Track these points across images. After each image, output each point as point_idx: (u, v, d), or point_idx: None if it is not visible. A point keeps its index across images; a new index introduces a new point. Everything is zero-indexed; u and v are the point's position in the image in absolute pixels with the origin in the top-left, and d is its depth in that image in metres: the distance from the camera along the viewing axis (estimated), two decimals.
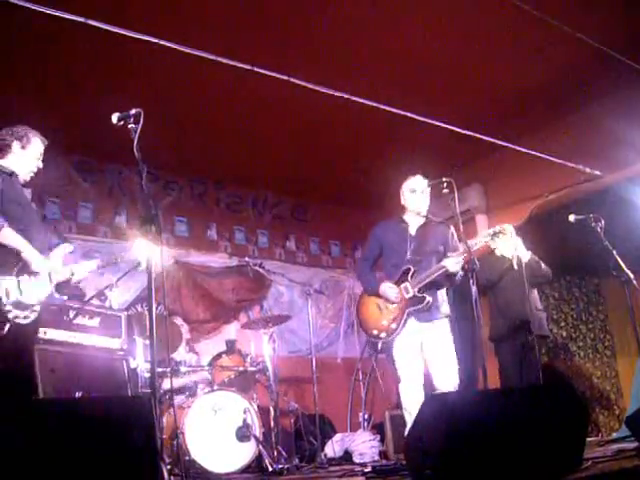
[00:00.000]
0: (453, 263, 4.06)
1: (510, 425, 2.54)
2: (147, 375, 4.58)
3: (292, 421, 6.12)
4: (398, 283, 4.21)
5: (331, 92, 4.72)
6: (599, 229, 4.58)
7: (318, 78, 4.66)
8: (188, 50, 4.14)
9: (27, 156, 3.55)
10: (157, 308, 3.45)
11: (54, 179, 6.16)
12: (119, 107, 3.01)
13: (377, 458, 5.54)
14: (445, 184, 4.01)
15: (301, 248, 8.22)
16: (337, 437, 5.95)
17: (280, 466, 4.48)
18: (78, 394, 3.96)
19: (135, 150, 2.91)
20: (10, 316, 3.17)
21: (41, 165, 3.64)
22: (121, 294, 5.47)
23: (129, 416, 2.22)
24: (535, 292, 5.44)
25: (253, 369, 5.25)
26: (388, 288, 4.21)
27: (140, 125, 2.93)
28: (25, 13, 3.61)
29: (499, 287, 5.45)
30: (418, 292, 4.13)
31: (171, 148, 6.33)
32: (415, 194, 4.35)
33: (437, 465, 2.38)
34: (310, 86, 4.62)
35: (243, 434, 4.57)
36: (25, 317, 3.25)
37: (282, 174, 7.38)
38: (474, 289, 3.75)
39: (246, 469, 4.53)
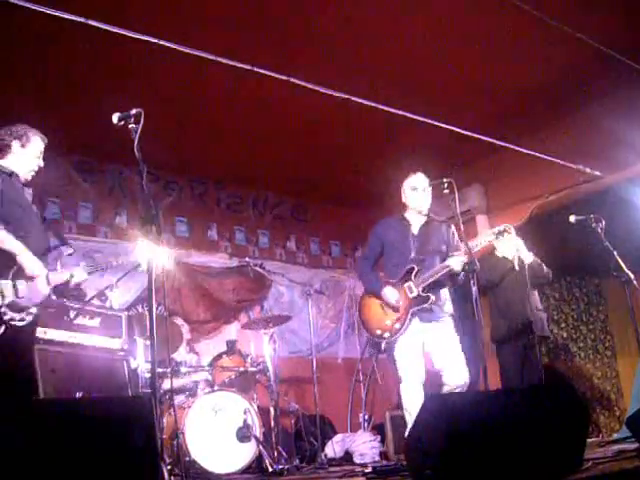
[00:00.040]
0: (458, 262, 4.03)
1: (510, 426, 2.54)
2: (147, 375, 4.58)
3: (292, 421, 6.12)
4: (401, 282, 4.19)
5: (331, 92, 4.72)
6: (599, 229, 4.58)
7: (318, 78, 4.65)
8: (188, 50, 4.13)
9: (27, 155, 3.53)
10: (157, 308, 3.46)
11: (54, 179, 6.16)
12: (119, 107, 3.01)
13: (377, 459, 5.54)
14: (445, 184, 4.00)
15: (301, 248, 8.21)
16: (337, 438, 5.95)
17: (280, 466, 4.48)
18: (78, 394, 3.96)
19: (135, 150, 2.90)
20: (5, 318, 3.15)
21: (42, 163, 3.61)
22: (121, 294, 5.47)
23: (129, 416, 2.22)
24: (536, 293, 5.44)
25: (253, 369, 5.25)
26: (389, 292, 4.18)
27: (140, 125, 2.92)
28: (25, 13, 3.60)
29: (500, 288, 5.45)
30: (422, 292, 4.11)
31: (171, 148, 6.33)
32: (417, 192, 4.33)
33: (437, 465, 2.38)
34: (310, 86, 4.62)
35: (243, 434, 4.57)
36: (21, 319, 3.22)
37: (282, 174, 7.38)
38: (474, 289, 3.74)
39: (246, 469, 4.53)
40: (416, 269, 4.18)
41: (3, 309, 3.15)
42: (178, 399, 5.04)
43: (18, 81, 5.16)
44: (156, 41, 4.01)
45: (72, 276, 3.56)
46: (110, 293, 4.86)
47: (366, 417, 6.62)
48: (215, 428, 4.55)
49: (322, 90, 4.67)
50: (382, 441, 5.79)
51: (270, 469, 4.38)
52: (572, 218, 4.74)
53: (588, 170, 5.84)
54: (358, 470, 4.19)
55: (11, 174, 3.46)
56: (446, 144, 6.02)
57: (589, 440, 3.20)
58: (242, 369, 5.23)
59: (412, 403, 3.99)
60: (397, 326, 4.12)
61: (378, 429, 6.23)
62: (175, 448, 4.17)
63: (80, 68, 5.09)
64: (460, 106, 5.78)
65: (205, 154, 6.82)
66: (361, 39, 5.04)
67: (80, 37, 4.40)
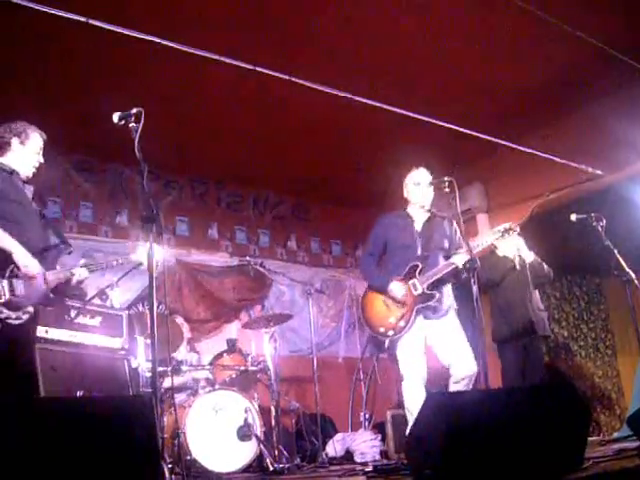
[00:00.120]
0: (463, 260, 4.00)
1: (511, 424, 2.54)
2: (148, 374, 4.58)
3: (293, 420, 6.12)
4: (405, 280, 4.15)
5: (332, 91, 4.72)
6: (600, 228, 4.57)
7: (319, 78, 4.66)
8: (189, 49, 4.14)
9: (27, 152, 3.52)
10: (158, 307, 3.46)
11: (55, 179, 6.17)
12: (120, 106, 3.01)
13: (378, 457, 5.54)
14: (446, 183, 3.99)
15: (302, 247, 8.22)
16: (338, 436, 5.95)
17: (281, 465, 4.48)
18: (79, 393, 3.96)
19: (136, 149, 2.91)
20: (1, 317, 3.14)
21: (42, 160, 3.60)
22: (122, 293, 5.47)
23: (130, 415, 2.22)
24: (537, 292, 5.44)
25: (254, 368, 5.25)
26: (396, 287, 4.13)
27: (141, 124, 2.92)
28: (26, 12, 3.61)
29: (501, 287, 5.44)
30: (427, 289, 4.08)
31: (172, 148, 6.34)
32: (419, 187, 4.28)
33: (438, 464, 2.38)
34: (311, 85, 4.62)
35: (244, 433, 4.57)
36: (17, 318, 3.20)
37: (283, 173, 7.38)
38: (475, 288, 3.73)
39: (247, 468, 4.53)
40: (420, 266, 4.14)
41: None
42: (179, 398, 5.04)
43: (19, 80, 5.16)
44: (157, 40, 4.02)
45: (73, 274, 3.56)
46: (111, 292, 4.86)
47: (367, 416, 6.62)
48: (216, 427, 4.55)
49: (323, 89, 4.68)
50: (383, 440, 5.80)
51: (271, 468, 4.38)
52: (573, 217, 4.73)
53: (589, 169, 5.85)
54: (359, 469, 4.18)
55: (11, 172, 3.46)
56: (446, 143, 6.02)
57: (590, 439, 3.20)
58: (243, 368, 5.23)
59: (413, 402, 3.96)
60: (402, 324, 4.08)
61: (379, 428, 6.23)
62: (176, 447, 4.16)
63: (81, 67, 5.09)
64: (460, 105, 5.78)
65: (206, 153, 6.83)
66: (361, 39, 5.04)
67: (81, 36, 4.41)
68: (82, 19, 3.77)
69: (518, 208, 6.67)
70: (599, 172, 5.87)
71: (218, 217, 7.56)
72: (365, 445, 5.66)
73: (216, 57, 4.27)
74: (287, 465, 4.56)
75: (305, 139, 6.56)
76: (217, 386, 4.92)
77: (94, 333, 4.39)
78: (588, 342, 8.11)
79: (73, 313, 4.28)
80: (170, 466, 3.63)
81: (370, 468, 3.85)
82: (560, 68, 5.56)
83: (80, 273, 3.62)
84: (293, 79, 4.57)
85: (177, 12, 4.53)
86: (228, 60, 4.31)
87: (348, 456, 5.69)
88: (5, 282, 3.19)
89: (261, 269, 6.32)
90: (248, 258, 6.37)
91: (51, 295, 3.44)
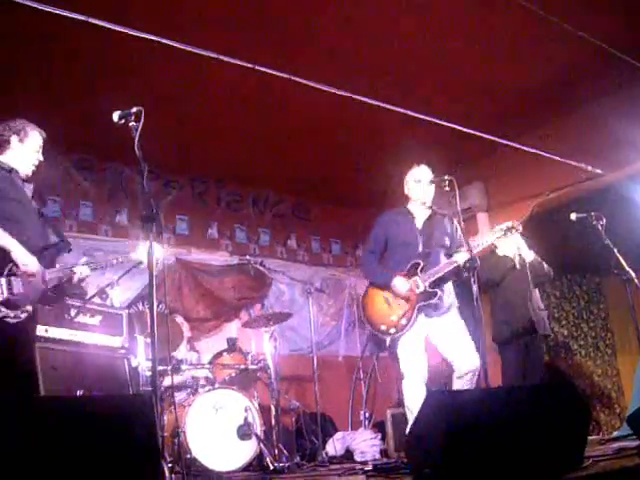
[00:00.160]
0: (465, 258, 3.97)
1: (511, 423, 2.54)
2: (148, 373, 4.59)
3: (293, 419, 6.13)
4: (407, 277, 4.13)
5: (332, 91, 4.72)
6: (600, 227, 4.57)
7: (319, 77, 4.66)
8: (189, 48, 4.14)
9: (26, 150, 3.52)
10: (158, 306, 3.46)
11: (55, 177, 6.17)
12: (120, 105, 3.01)
13: (378, 456, 5.55)
14: (446, 182, 3.99)
15: (302, 246, 8.22)
16: (338, 435, 5.96)
17: (281, 464, 4.48)
18: (79, 392, 3.96)
19: (136, 148, 2.90)
20: None
21: (41, 158, 3.59)
22: (122, 292, 5.47)
23: (130, 414, 2.22)
24: (537, 291, 5.43)
25: (254, 367, 5.25)
26: (400, 283, 4.10)
27: (141, 123, 2.92)
28: (27, 11, 3.61)
29: (501, 287, 5.43)
30: (429, 287, 4.06)
31: (172, 147, 6.34)
32: (421, 184, 4.27)
33: (438, 463, 2.38)
34: (311, 84, 4.62)
35: (244, 432, 4.57)
36: (15, 317, 3.19)
37: (283, 173, 7.38)
38: (475, 288, 3.73)
39: (247, 467, 4.53)
40: (422, 264, 4.12)
41: None
42: (179, 397, 5.04)
43: (21, 79, 5.16)
44: (157, 40, 4.01)
45: (74, 272, 3.56)
46: (111, 291, 4.87)
47: (367, 415, 6.63)
48: (216, 426, 4.55)
49: (323, 89, 4.68)
50: (383, 439, 5.80)
51: (271, 467, 4.38)
52: (573, 216, 4.72)
53: (589, 168, 5.84)
54: (359, 468, 4.18)
55: (10, 170, 3.45)
56: (447, 142, 6.03)
57: (590, 438, 3.20)
58: (243, 367, 5.23)
59: (414, 400, 3.95)
60: (403, 322, 4.06)
61: (379, 427, 6.24)
62: (176, 446, 4.16)
63: (82, 66, 5.09)
64: (461, 105, 5.78)
65: (206, 152, 6.83)
66: (361, 39, 5.04)
67: (82, 36, 4.40)
68: (82, 18, 3.77)
69: (518, 207, 6.66)
70: (599, 171, 5.87)
71: (218, 216, 7.56)
72: (365, 444, 5.67)
73: (216, 56, 4.27)
74: (287, 464, 4.56)
75: (305, 138, 6.56)
76: (217, 385, 4.92)
77: (94, 332, 4.39)
78: (588, 341, 8.10)
79: (73, 312, 4.28)
80: (170, 465, 3.64)
81: (370, 467, 3.85)
82: (560, 68, 5.56)
83: (81, 271, 3.61)
84: (293, 78, 4.56)
85: (178, 11, 4.53)
86: (228, 59, 4.30)
87: (348, 455, 5.69)
88: (3, 280, 3.19)
89: (261, 268, 6.32)
90: (248, 257, 6.39)
91: (50, 294, 3.44)
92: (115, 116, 2.98)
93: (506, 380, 5.24)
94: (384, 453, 5.62)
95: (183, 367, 5.06)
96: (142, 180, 2.89)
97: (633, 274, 4.54)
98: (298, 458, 5.23)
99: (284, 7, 4.63)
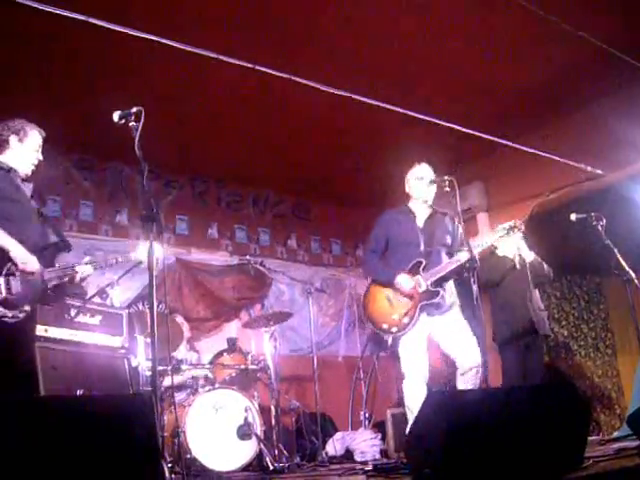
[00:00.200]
0: (466, 257, 3.95)
1: (511, 424, 2.54)
2: (148, 373, 4.58)
3: (293, 419, 6.13)
4: (411, 274, 4.10)
5: (332, 91, 4.72)
6: (600, 228, 4.56)
7: (319, 77, 4.66)
8: (190, 48, 4.13)
9: (26, 149, 3.51)
10: (158, 306, 3.46)
11: (55, 177, 6.18)
12: (120, 105, 3.01)
13: (378, 456, 5.54)
14: (446, 182, 3.99)
15: (302, 246, 8.23)
16: (338, 435, 5.96)
17: (281, 464, 4.48)
18: (79, 392, 3.96)
19: (136, 148, 2.90)
20: None
21: (41, 157, 3.58)
22: (122, 292, 5.47)
23: (130, 414, 2.22)
24: (537, 292, 5.43)
25: (254, 367, 5.25)
26: (404, 279, 4.06)
27: (141, 123, 2.92)
28: (28, 12, 3.61)
29: (501, 287, 5.43)
30: (431, 286, 4.04)
31: (173, 147, 6.34)
32: (422, 181, 4.25)
33: (438, 463, 2.38)
34: (311, 84, 4.62)
35: (244, 432, 4.57)
36: (13, 317, 3.18)
37: (283, 173, 7.38)
38: (475, 288, 3.72)
39: (247, 467, 4.53)
40: (424, 263, 4.10)
41: None
42: (179, 397, 5.04)
43: (21, 79, 5.16)
44: (158, 39, 4.01)
45: (76, 272, 3.55)
46: (111, 291, 4.87)
47: (367, 415, 6.63)
48: (216, 426, 4.55)
49: (323, 89, 4.68)
50: (383, 439, 5.80)
51: (271, 467, 4.38)
52: (573, 216, 4.72)
53: (589, 168, 5.84)
54: (359, 468, 4.18)
55: (9, 170, 3.45)
56: (447, 142, 6.03)
57: (590, 438, 3.20)
58: (243, 367, 5.24)
59: (414, 400, 3.93)
60: (405, 320, 4.03)
61: (379, 427, 6.24)
62: (176, 446, 4.16)
63: (82, 66, 5.10)
64: (461, 105, 5.79)
65: (206, 152, 6.83)
66: (361, 39, 5.05)
67: (82, 36, 4.41)
68: (82, 18, 3.76)
69: (518, 207, 6.66)
70: (599, 171, 5.86)
71: (218, 216, 7.57)
72: (365, 444, 5.67)
73: (217, 56, 4.26)
74: (287, 464, 4.56)
75: (305, 138, 6.57)
76: (217, 385, 4.92)
77: (94, 332, 4.39)
78: (588, 341, 8.10)
79: (73, 312, 4.28)
80: (170, 465, 3.64)
81: (370, 467, 3.84)
82: (560, 68, 5.56)
83: (84, 270, 3.61)
84: (293, 78, 4.56)
85: (178, 12, 4.54)
86: (228, 59, 4.30)
87: (348, 455, 5.69)
88: (2, 280, 3.18)
89: (261, 268, 6.32)
90: (248, 257, 6.38)
91: (50, 293, 3.43)
92: (115, 116, 2.98)
93: (506, 380, 5.24)
94: (384, 453, 5.62)
95: (183, 367, 5.06)
96: (142, 180, 2.89)
97: (633, 274, 4.53)
98: (298, 458, 5.23)
99: (284, 7, 4.64)
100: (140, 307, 6.12)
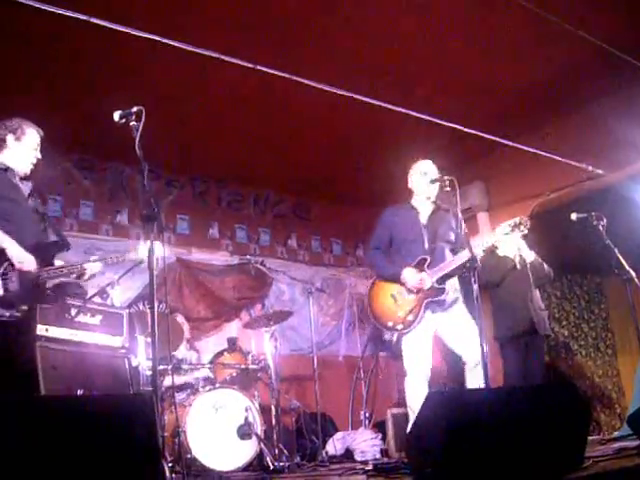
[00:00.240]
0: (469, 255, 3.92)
1: (512, 423, 2.54)
2: (149, 373, 4.59)
3: (293, 419, 6.13)
4: (417, 269, 4.07)
5: (333, 91, 4.72)
6: (601, 227, 4.56)
7: (319, 77, 4.66)
8: (191, 48, 4.14)
9: (23, 148, 3.50)
10: (159, 306, 3.46)
11: (55, 177, 6.18)
12: (121, 105, 3.01)
13: (378, 456, 5.54)
14: (447, 182, 3.97)
15: (303, 246, 8.22)
16: (338, 435, 5.96)
17: (281, 464, 4.47)
18: (80, 392, 3.96)
19: (137, 148, 2.91)
20: None
21: (39, 156, 3.58)
22: (123, 292, 5.46)
23: (131, 414, 2.22)
24: (537, 292, 5.43)
25: (254, 367, 5.25)
26: (410, 274, 4.03)
27: (142, 123, 2.92)
28: (30, 12, 3.61)
29: (501, 287, 5.43)
30: (436, 283, 4.02)
31: (173, 147, 6.34)
32: (427, 177, 4.21)
33: (439, 463, 2.38)
34: (312, 84, 4.63)
35: (244, 432, 4.57)
36: (11, 315, 3.18)
37: (284, 172, 7.38)
38: (475, 287, 3.71)
39: (247, 467, 4.53)
40: (429, 260, 4.07)
41: None
42: (179, 397, 5.04)
43: (22, 79, 5.17)
44: (159, 40, 4.01)
45: (85, 269, 3.55)
46: (111, 291, 4.86)
47: (367, 415, 6.64)
48: (216, 425, 4.55)
49: (324, 88, 4.68)
50: (383, 439, 5.80)
51: (271, 466, 4.38)
52: (573, 216, 4.71)
53: (590, 168, 5.85)
54: (359, 468, 4.17)
55: (6, 169, 3.44)
56: (447, 142, 6.02)
57: (590, 438, 3.20)
58: (243, 367, 5.23)
59: (415, 398, 3.91)
60: (410, 318, 4.00)
61: (379, 427, 6.24)
62: (176, 445, 4.16)
63: (83, 66, 5.10)
64: (461, 105, 5.78)
65: (206, 152, 6.83)
66: (361, 39, 5.05)
67: (83, 36, 4.41)
68: (84, 18, 3.77)
69: (519, 207, 6.66)
70: (599, 171, 5.87)
71: (219, 216, 7.57)
72: (365, 444, 5.67)
73: (218, 56, 4.27)
74: (287, 464, 4.56)
75: (306, 138, 6.57)
76: (217, 385, 4.92)
77: (95, 332, 4.38)
78: (588, 341, 8.11)
79: (73, 311, 4.27)
80: (170, 465, 3.64)
81: (370, 467, 3.84)
82: (560, 68, 5.56)
83: (92, 267, 3.60)
84: (294, 78, 4.56)
85: (179, 12, 4.54)
86: (229, 59, 4.31)
87: (348, 455, 5.69)
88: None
89: (262, 268, 6.32)
90: (249, 257, 6.39)
91: (50, 293, 3.43)
92: (116, 116, 2.98)
93: (507, 380, 5.24)
94: (384, 453, 5.62)
95: (184, 367, 5.06)
96: (143, 179, 2.89)
97: (634, 274, 4.53)
98: (298, 458, 5.23)
99: (285, 7, 4.64)
100: (140, 307, 6.11)
